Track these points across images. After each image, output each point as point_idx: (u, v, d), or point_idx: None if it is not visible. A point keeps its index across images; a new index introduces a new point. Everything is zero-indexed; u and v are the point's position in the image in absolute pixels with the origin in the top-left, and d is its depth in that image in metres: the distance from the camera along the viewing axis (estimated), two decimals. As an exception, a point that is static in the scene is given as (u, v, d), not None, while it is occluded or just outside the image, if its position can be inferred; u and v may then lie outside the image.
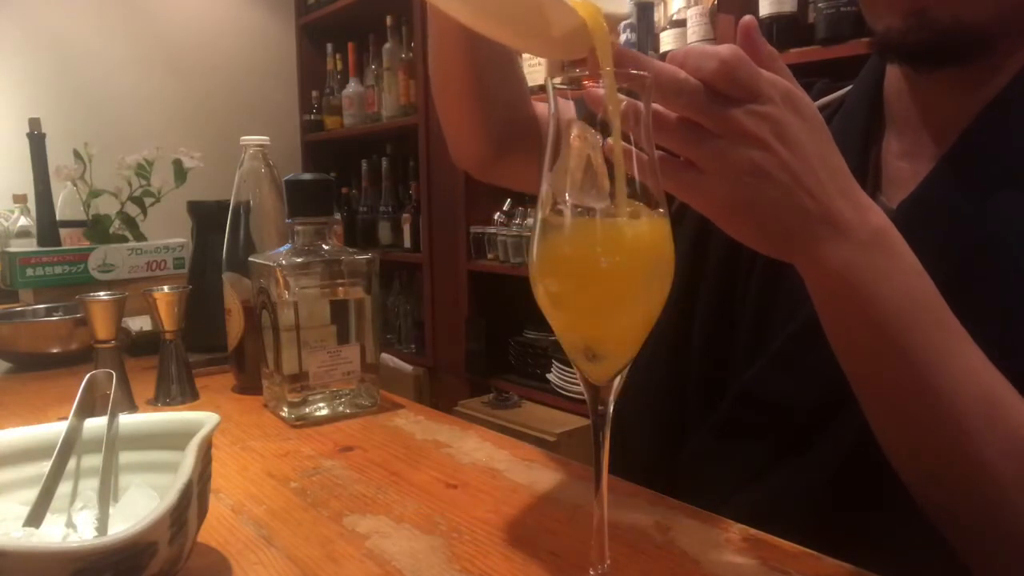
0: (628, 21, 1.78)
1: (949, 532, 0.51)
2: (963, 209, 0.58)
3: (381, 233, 2.88)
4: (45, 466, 0.51)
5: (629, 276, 0.40)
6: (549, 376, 2.24)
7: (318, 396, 0.79)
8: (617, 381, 0.43)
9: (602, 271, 0.40)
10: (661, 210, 0.41)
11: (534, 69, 2.12)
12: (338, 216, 2.92)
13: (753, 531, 0.52)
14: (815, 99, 0.73)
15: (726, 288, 0.74)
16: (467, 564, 0.48)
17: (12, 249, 1.40)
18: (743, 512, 0.55)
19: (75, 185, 1.42)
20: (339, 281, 0.80)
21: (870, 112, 0.69)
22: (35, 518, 0.49)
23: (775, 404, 0.67)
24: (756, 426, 0.68)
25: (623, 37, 1.80)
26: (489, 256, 2.35)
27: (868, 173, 0.67)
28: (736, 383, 0.70)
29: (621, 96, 0.40)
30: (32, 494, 0.50)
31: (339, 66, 3.09)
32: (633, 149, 0.40)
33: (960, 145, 0.60)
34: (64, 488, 0.52)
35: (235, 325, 0.89)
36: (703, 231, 0.80)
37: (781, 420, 0.66)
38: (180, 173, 1.37)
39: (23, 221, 1.80)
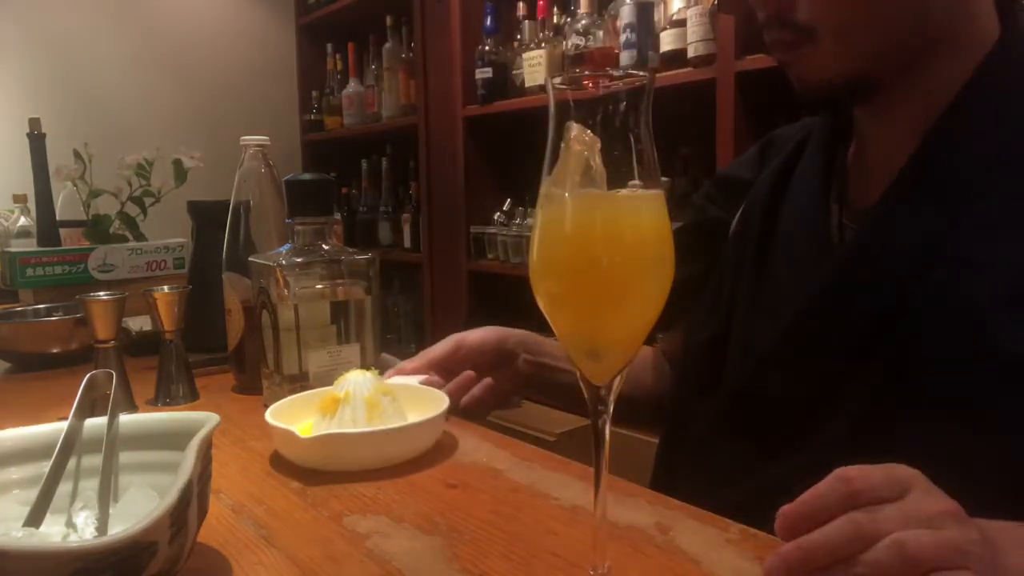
0: (628, 21, 1.77)
1: None
2: (918, 227, 0.61)
3: (381, 233, 2.88)
4: (45, 466, 0.51)
5: (629, 276, 0.40)
6: (549, 376, 2.23)
7: (318, 396, 0.79)
8: (617, 381, 0.43)
9: (602, 271, 0.40)
10: (660, 209, 0.41)
11: (534, 69, 2.12)
12: (338, 216, 2.92)
13: (753, 531, 0.52)
14: (807, 136, 0.77)
15: (724, 287, 0.76)
16: (467, 564, 0.48)
17: (12, 249, 1.40)
18: (732, 505, 0.56)
19: (75, 185, 1.42)
20: (339, 281, 0.80)
21: (835, 125, 0.73)
22: (35, 518, 0.49)
23: (767, 402, 0.68)
24: (749, 423, 0.69)
25: (623, 36, 1.79)
26: (489, 256, 2.35)
27: (832, 185, 0.71)
28: (730, 381, 0.72)
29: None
30: (32, 494, 0.50)
31: (339, 66, 3.08)
32: (633, 148, 0.40)
33: (910, 166, 0.63)
34: (64, 488, 0.52)
35: (235, 325, 0.89)
36: (703, 230, 0.83)
37: (773, 418, 0.67)
38: (180, 173, 1.37)
39: (23, 221, 1.80)
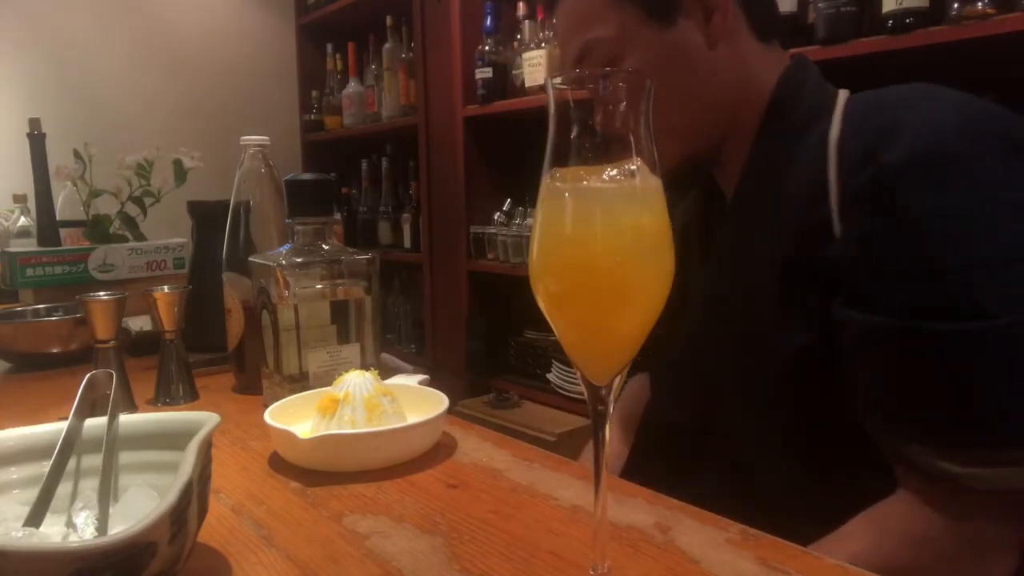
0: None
1: None
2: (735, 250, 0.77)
3: (381, 233, 2.88)
4: (45, 466, 0.51)
5: (629, 273, 0.40)
6: (549, 376, 2.23)
7: (318, 396, 0.78)
8: (617, 381, 0.42)
9: (602, 269, 0.40)
10: (660, 206, 0.41)
11: (534, 69, 2.12)
12: (338, 216, 2.91)
13: (753, 531, 0.52)
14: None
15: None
16: (467, 564, 0.48)
17: (12, 249, 1.40)
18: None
19: (75, 185, 1.42)
20: (339, 281, 0.80)
21: (708, 189, 0.88)
22: (35, 518, 0.49)
23: (664, 427, 0.84)
24: (657, 447, 0.84)
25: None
26: (489, 256, 2.35)
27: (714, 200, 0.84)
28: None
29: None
30: (32, 494, 0.50)
31: (339, 66, 3.08)
32: (633, 148, 0.40)
33: (731, 206, 0.79)
34: (64, 488, 0.52)
35: (235, 325, 0.89)
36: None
37: (672, 441, 0.82)
38: (180, 173, 1.37)
39: (23, 221, 1.80)
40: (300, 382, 0.78)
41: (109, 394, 0.56)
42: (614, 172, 0.40)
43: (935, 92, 0.66)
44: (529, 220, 2.24)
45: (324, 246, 0.80)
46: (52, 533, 0.48)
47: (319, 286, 0.79)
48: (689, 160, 0.80)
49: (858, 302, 0.62)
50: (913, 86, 0.68)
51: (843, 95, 0.72)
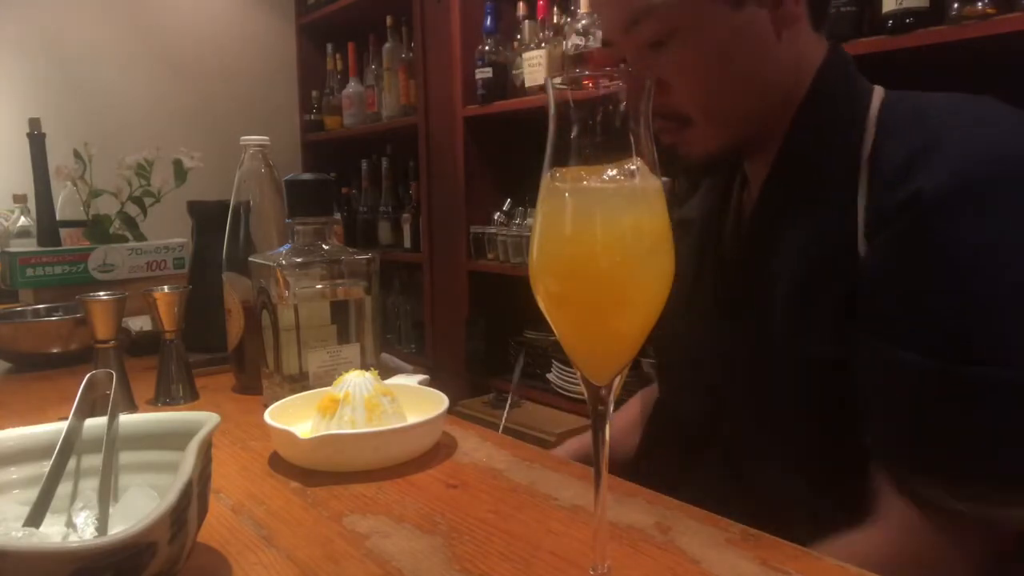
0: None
1: None
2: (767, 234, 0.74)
3: (381, 233, 2.88)
4: (45, 466, 0.51)
5: (629, 273, 0.40)
6: (549, 376, 2.23)
7: (318, 396, 0.78)
8: (617, 381, 0.43)
9: (602, 268, 0.40)
10: (660, 205, 0.41)
11: (534, 69, 2.12)
12: (338, 216, 2.91)
13: (753, 531, 0.52)
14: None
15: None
16: (467, 564, 0.48)
17: (12, 249, 1.40)
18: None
19: (75, 185, 1.42)
20: (339, 281, 0.80)
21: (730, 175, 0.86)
22: (35, 518, 0.49)
23: (670, 424, 0.85)
24: (661, 442, 0.85)
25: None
26: (489, 256, 2.35)
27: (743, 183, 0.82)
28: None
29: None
30: (32, 494, 0.50)
31: (339, 66, 3.08)
32: (633, 148, 0.40)
33: (765, 189, 0.75)
34: (64, 488, 0.52)
35: (235, 325, 0.89)
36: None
37: (677, 439, 0.82)
38: (180, 173, 1.37)
39: (23, 221, 1.80)
40: (300, 382, 0.78)
41: (109, 394, 0.56)
42: (614, 172, 0.40)
43: (979, 107, 0.63)
44: (529, 220, 2.24)
45: (324, 246, 0.80)
46: (52, 533, 0.48)
47: (319, 286, 0.79)
48: (729, 148, 0.76)
49: (881, 330, 0.60)
50: (953, 97, 0.65)
51: (878, 94, 0.70)
